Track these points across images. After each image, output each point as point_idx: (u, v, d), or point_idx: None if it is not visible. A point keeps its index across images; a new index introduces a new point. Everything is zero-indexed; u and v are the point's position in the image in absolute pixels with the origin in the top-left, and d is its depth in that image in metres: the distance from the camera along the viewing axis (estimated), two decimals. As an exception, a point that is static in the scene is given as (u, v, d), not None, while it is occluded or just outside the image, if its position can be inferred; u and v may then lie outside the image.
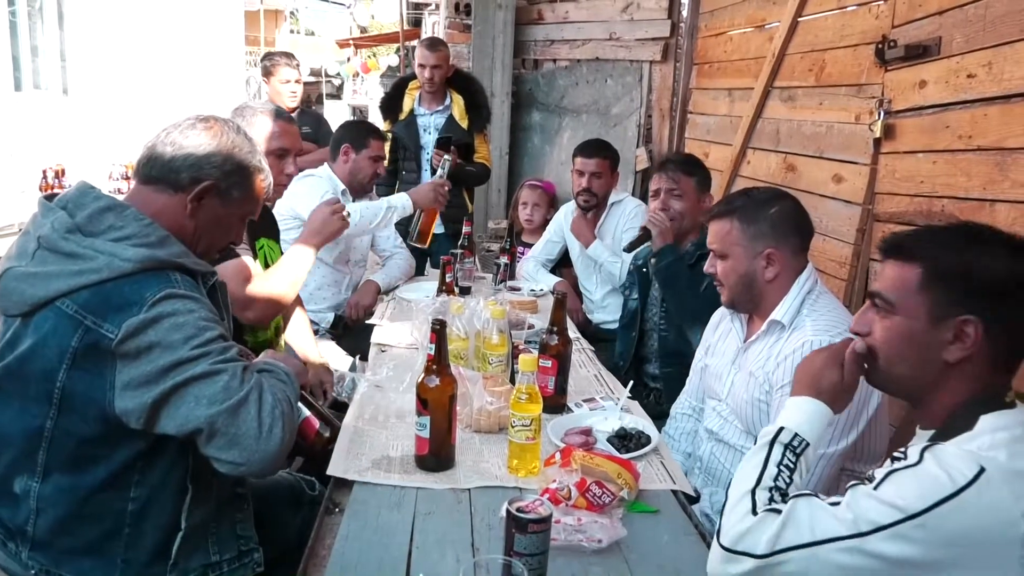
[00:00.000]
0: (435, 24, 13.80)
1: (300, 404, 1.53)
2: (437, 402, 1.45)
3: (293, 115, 4.27)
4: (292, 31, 30.35)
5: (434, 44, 3.84)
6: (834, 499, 1.07)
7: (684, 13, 4.63)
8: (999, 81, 2.11)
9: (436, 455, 1.48)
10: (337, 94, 26.99)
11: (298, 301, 2.63)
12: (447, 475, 1.47)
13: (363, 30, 35.00)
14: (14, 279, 1.35)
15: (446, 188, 3.10)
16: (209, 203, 1.44)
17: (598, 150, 3.22)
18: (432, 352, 1.45)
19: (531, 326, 2.46)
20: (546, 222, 3.55)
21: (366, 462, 1.50)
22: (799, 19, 3.29)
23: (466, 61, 5.31)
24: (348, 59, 31.41)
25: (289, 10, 29.28)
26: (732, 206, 1.88)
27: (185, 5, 11.61)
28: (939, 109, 2.37)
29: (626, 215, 3.23)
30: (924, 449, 1.05)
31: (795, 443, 1.18)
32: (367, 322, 2.69)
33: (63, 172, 5.67)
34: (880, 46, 2.65)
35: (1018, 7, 2.03)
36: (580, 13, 5.13)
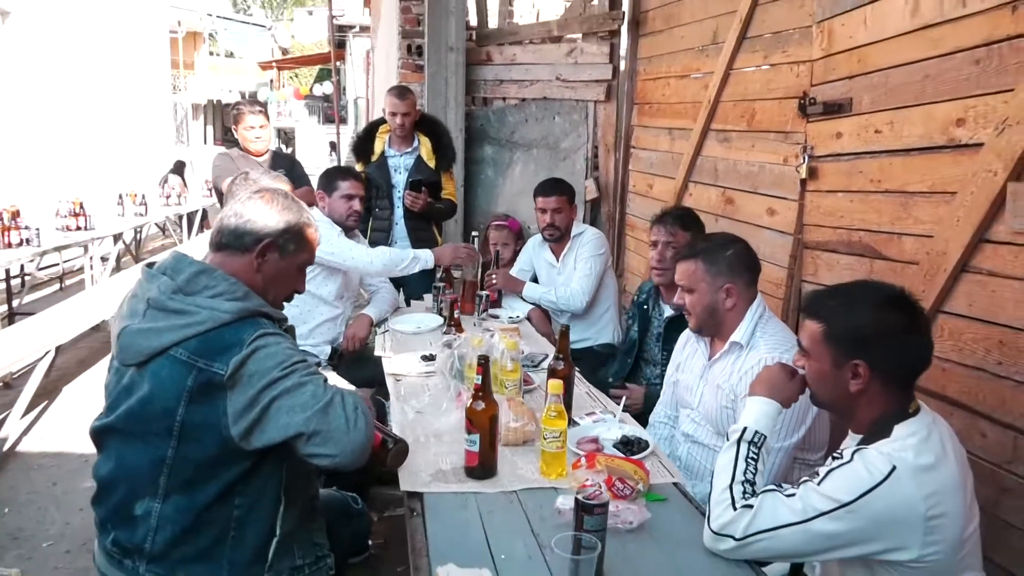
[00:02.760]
0: (369, 52, 14.02)
1: None
2: (484, 422, 1.79)
3: (264, 158, 4.53)
4: (211, 53, 29.92)
5: (403, 93, 4.16)
6: (791, 491, 1.49)
7: (623, 56, 5.10)
8: (900, 137, 2.57)
9: (483, 466, 1.81)
10: (262, 117, 26.64)
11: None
12: (493, 482, 1.80)
13: (284, 51, 34.73)
14: (130, 335, 1.64)
15: (467, 251, 3.53)
16: (271, 258, 1.76)
17: (555, 188, 3.64)
18: (479, 382, 1.79)
19: (522, 352, 2.81)
20: (514, 255, 3.95)
21: (426, 476, 1.82)
22: (731, 71, 3.76)
23: (420, 99, 5.63)
24: (271, 81, 31.05)
25: (208, 32, 28.87)
26: (696, 249, 2.30)
27: (110, 33, 11.52)
28: (853, 157, 2.83)
29: (583, 244, 3.64)
30: (855, 452, 1.47)
31: (756, 439, 1.61)
32: (375, 353, 2.99)
33: (18, 213, 5.68)
34: (802, 101, 3.12)
35: (911, 79, 2.51)
36: (527, 56, 5.54)
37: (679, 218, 2.95)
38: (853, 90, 2.83)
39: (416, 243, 4.19)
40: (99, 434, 1.72)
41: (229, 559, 1.65)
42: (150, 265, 1.76)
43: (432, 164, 4.23)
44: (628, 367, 3.05)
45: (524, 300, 3.62)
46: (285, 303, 1.87)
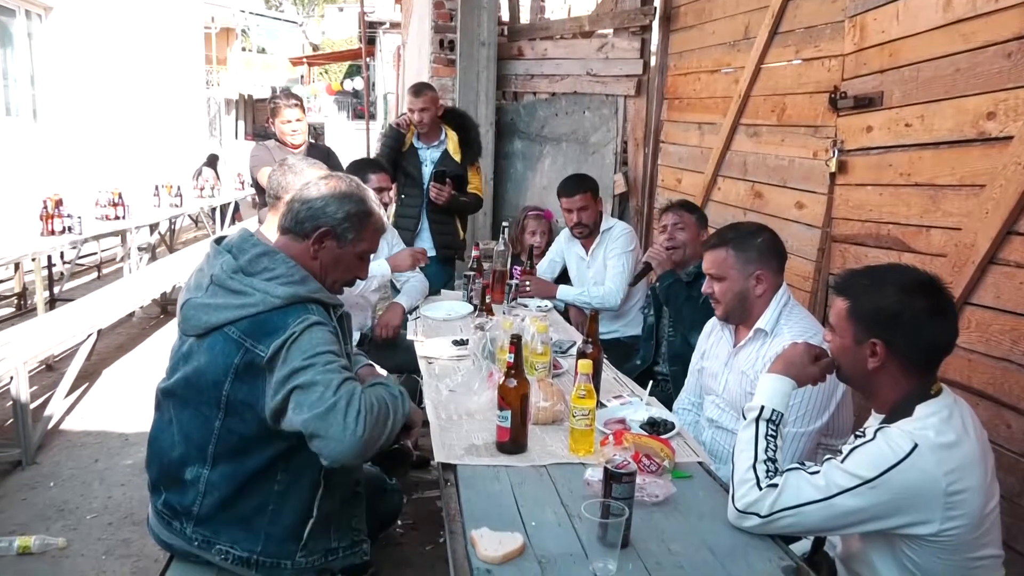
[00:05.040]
0: (399, 48, 14.17)
1: None
2: (515, 399, 1.85)
3: (300, 150, 4.62)
4: (244, 49, 30.29)
5: (419, 90, 4.23)
6: (815, 469, 1.53)
7: (654, 51, 5.13)
8: (930, 131, 2.59)
9: (515, 441, 1.87)
10: (293, 111, 27.10)
11: None
12: (524, 457, 1.86)
13: (315, 47, 35.09)
14: (193, 308, 1.72)
15: (424, 254, 3.51)
16: (328, 245, 1.80)
17: (577, 186, 3.68)
18: (512, 360, 1.85)
19: (551, 337, 2.87)
20: (546, 244, 4.02)
21: (459, 450, 1.89)
22: (762, 66, 3.79)
23: (451, 93, 5.72)
24: (302, 77, 31.40)
25: (240, 28, 29.26)
26: (725, 238, 2.33)
27: (148, 28, 11.76)
28: (883, 150, 2.86)
29: (614, 239, 3.69)
30: (877, 430, 1.51)
31: (774, 417, 1.65)
32: (407, 337, 3.07)
33: (61, 202, 5.86)
34: (833, 95, 3.14)
35: (941, 73, 2.53)
36: (558, 51, 5.59)
37: (684, 205, 3.21)
38: (884, 84, 2.85)
39: (437, 236, 4.28)
40: (161, 395, 1.81)
41: (266, 531, 1.72)
42: (218, 241, 1.83)
43: (458, 158, 4.29)
44: (652, 349, 3.16)
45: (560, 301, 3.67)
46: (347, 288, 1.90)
